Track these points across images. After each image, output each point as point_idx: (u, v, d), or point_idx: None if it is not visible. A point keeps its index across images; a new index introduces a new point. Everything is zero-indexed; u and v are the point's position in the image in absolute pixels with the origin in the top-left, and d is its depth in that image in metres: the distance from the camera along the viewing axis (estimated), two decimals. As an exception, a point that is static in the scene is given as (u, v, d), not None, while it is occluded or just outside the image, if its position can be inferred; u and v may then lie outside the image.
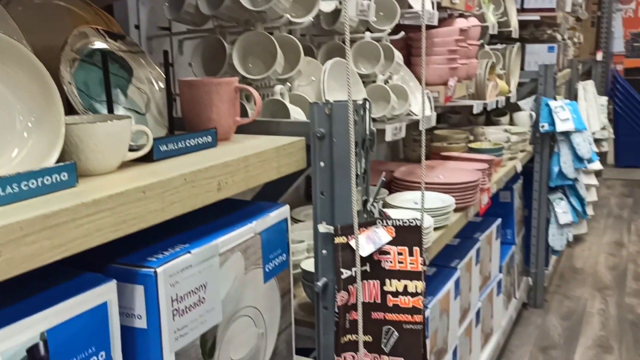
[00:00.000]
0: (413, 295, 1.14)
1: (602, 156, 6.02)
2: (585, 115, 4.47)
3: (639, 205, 5.40)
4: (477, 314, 2.40)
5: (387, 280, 1.15)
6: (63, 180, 0.75)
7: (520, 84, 3.15)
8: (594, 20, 6.42)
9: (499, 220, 2.67)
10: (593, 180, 4.01)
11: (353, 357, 1.16)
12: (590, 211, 3.88)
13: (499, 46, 2.89)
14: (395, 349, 1.15)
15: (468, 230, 2.49)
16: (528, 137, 3.01)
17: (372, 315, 1.16)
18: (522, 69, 3.32)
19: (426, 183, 1.98)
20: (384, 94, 1.55)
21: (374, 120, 1.56)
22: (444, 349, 2.01)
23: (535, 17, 3.43)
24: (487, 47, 2.66)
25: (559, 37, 3.69)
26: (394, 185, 2.04)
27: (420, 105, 1.72)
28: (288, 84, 1.40)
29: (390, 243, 1.15)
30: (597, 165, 3.66)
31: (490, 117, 3.18)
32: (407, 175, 2.05)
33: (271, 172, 1.04)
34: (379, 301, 1.15)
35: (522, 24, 3.47)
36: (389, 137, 1.56)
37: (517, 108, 3.23)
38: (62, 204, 0.68)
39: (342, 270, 1.12)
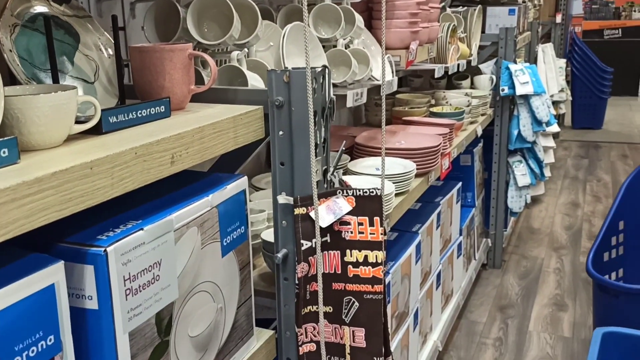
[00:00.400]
0: (373, 265, 1.13)
1: (559, 118, 6.12)
2: (544, 77, 4.52)
3: (595, 166, 5.53)
4: (438, 276, 2.43)
5: (348, 251, 1.14)
6: (3, 157, 0.70)
7: (481, 47, 3.14)
8: (554, -18, 6.44)
9: (459, 184, 2.69)
10: (550, 142, 4.07)
11: (314, 327, 1.15)
12: (547, 173, 3.95)
13: (460, 9, 2.87)
14: (356, 319, 1.15)
15: (429, 194, 2.50)
16: (489, 100, 3.02)
17: (332, 286, 1.15)
18: (483, 31, 3.31)
19: (387, 149, 1.97)
20: (345, 58, 1.51)
21: (334, 85, 1.53)
22: (405, 312, 2.03)
23: (497, -21, 3.42)
24: (448, 10, 2.64)
25: (519, -1, 3.69)
26: (355, 150, 2.02)
27: (381, 70, 1.69)
28: (245, 49, 1.36)
29: (350, 213, 1.13)
30: (555, 127, 3.72)
31: (452, 80, 3.18)
32: (369, 141, 2.03)
33: (228, 143, 1.00)
34: (339, 272, 1.14)
35: (484, -14, 3.45)
36: (350, 103, 1.53)
37: (478, 71, 3.23)
38: (2, 182, 0.64)
39: (302, 241, 1.10)
